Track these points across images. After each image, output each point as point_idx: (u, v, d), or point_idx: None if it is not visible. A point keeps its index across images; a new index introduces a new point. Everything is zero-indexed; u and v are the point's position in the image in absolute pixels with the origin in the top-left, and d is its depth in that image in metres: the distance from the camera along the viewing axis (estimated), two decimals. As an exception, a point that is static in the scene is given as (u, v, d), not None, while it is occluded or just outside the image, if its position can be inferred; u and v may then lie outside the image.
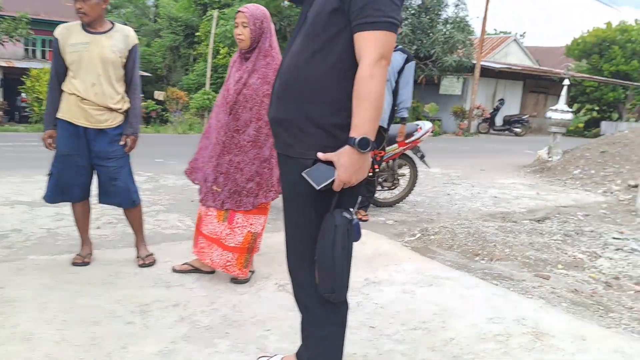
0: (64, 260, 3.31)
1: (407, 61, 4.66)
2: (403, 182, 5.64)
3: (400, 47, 4.68)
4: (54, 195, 3.15)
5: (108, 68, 3.01)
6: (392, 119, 4.76)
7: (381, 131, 4.60)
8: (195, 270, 3.21)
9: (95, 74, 2.99)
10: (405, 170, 5.64)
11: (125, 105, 3.12)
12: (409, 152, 5.43)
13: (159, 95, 17.58)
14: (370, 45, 1.55)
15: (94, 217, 4.30)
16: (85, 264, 3.26)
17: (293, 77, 1.71)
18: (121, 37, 3.07)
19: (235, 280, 3.09)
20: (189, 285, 3.03)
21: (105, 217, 4.33)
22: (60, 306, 2.64)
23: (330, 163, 1.61)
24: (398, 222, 4.96)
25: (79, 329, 2.42)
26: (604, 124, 23.46)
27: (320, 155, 1.62)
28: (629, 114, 25.64)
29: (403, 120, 4.82)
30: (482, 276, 3.49)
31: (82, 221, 3.30)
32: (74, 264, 3.24)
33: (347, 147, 1.57)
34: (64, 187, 3.13)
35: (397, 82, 4.67)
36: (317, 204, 1.70)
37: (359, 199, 1.79)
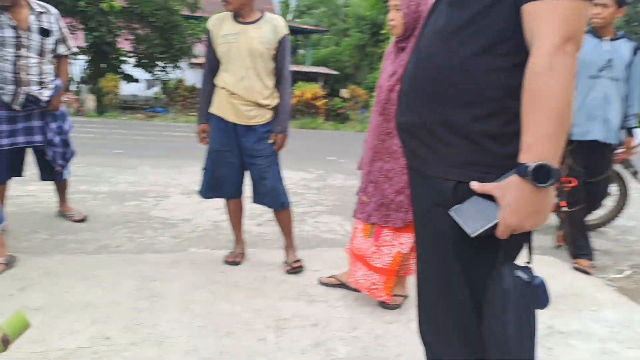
0: (219, 256, 3.26)
1: (636, 51, 3.44)
2: (609, 202, 4.63)
3: (621, 33, 3.52)
4: (207, 190, 3.08)
5: (257, 61, 2.81)
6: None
7: (606, 151, 3.48)
8: (342, 285, 2.89)
9: (243, 67, 2.81)
10: (613, 188, 4.62)
11: (275, 101, 2.92)
12: (617, 167, 4.42)
13: (345, 93, 17.96)
14: (549, 21, 1.00)
15: (258, 213, 4.27)
16: (236, 263, 3.16)
17: (427, 65, 1.20)
18: (270, 28, 2.84)
19: (384, 305, 2.68)
20: (332, 303, 2.72)
21: (268, 214, 4.21)
22: (201, 309, 2.53)
23: (490, 197, 1.09)
24: (600, 251, 4.04)
25: (211, 339, 2.25)
26: None
27: (474, 186, 1.10)
28: None
29: (629, 131, 3.61)
30: None
31: (234, 220, 3.20)
32: (226, 262, 3.17)
33: (515, 178, 1.04)
34: (216, 183, 3.04)
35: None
36: (464, 251, 1.18)
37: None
